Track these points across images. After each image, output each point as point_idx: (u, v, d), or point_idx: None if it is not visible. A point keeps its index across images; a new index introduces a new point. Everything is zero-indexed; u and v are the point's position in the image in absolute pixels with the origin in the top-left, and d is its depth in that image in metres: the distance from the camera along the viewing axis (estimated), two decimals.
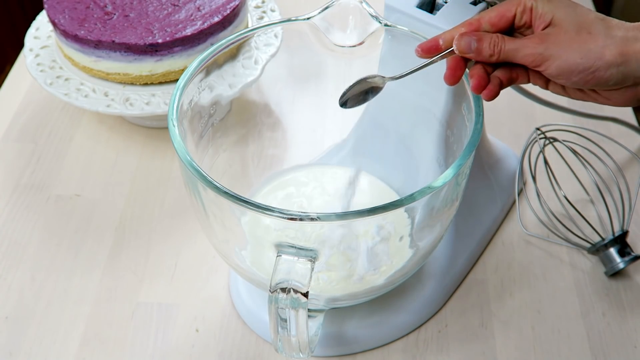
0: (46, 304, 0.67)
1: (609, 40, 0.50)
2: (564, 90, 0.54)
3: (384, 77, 0.56)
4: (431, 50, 0.54)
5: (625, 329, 0.65)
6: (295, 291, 0.49)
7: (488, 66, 0.53)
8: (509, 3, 0.53)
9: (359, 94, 0.56)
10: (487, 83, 0.53)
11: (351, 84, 0.56)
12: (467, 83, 0.55)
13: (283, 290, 0.49)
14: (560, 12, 0.51)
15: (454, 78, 0.54)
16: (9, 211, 0.75)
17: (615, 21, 0.51)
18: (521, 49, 0.51)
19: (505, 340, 0.64)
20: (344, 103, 0.56)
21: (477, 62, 0.53)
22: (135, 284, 0.69)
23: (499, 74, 0.53)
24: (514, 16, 0.53)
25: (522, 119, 0.85)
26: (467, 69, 0.54)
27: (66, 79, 0.79)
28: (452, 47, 0.53)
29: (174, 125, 0.54)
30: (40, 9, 0.89)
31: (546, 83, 0.54)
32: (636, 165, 0.79)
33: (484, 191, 0.71)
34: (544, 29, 0.52)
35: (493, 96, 0.53)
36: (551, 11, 0.52)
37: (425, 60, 0.54)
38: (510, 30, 0.53)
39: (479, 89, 0.53)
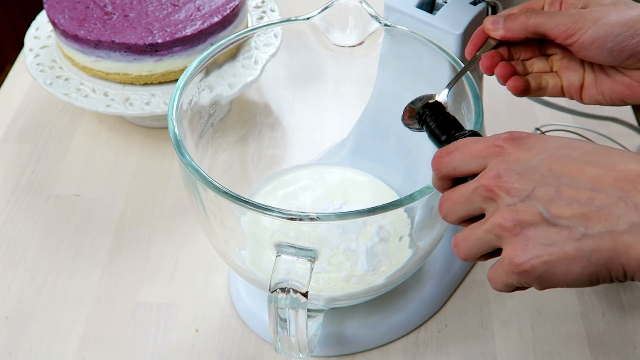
0: (46, 304, 0.67)
1: None
2: (583, 90, 0.52)
3: (432, 95, 0.51)
4: (478, 43, 0.52)
5: (625, 329, 0.65)
6: (295, 291, 0.49)
7: (512, 51, 0.52)
8: None
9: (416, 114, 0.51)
10: (513, 72, 0.51)
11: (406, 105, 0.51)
12: (467, 82, 0.55)
13: (283, 290, 0.49)
14: None
15: (490, 68, 0.52)
16: (9, 211, 0.75)
17: None
18: (553, 18, 0.48)
19: (505, 340, 0.64)
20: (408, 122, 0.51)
21: (499, 47, 0.52)
22: (135, 283, 0.69)
23: (522, 60, 0.52)
24: (542, 7, 0.51)
25: (522, 119, 0.85)
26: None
27: (66, 79, 0.79)
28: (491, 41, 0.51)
29: (173, 125, 0.54)
30: (40, 9, 0.89)
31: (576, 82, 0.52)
32: None
33: None
34: None
35: (521, 89, 0.51)
36: None
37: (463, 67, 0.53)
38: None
39: (505, 77, 0.51)
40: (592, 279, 0.38)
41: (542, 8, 0.51)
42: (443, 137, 0.47)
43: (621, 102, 0.51)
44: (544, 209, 0.38)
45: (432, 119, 0.48)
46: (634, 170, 0.38)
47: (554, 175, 0.39)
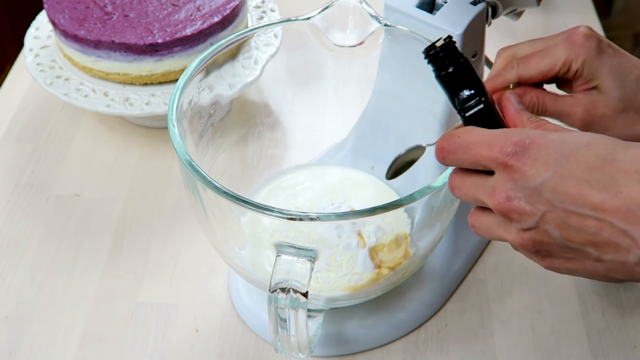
0: (46, 304, 0.67)
1: None
2: None
3: (422, 145, 0.51)
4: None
5: (625, 329, 0.65)
6: (295, 291, 0.49)
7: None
8: (551, 58, 0.51)
9: (403, 165, 0.52)
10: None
11: (394, 159, 0.52)
12: None
13: (283, 290, 0.49)
14: (606, 81, 0.50)
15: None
16: (9, 211, 0.75)
17: None
18: (564, 117, 0.50)
19: (505, 340, 0.64)
20: (392, 175, 0.52)
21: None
22: (135, 284, 0.69)
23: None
24: (556, 73, 0.52)
25: None
26: None
27: (66, 79, 0.79)
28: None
29: (173, 125, 0.54)
30: (40, 9, 0.89)
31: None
32: None
33: None
34: (585, 89, 0.51)
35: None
36: (597, 78, 0.50)
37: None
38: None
39: None
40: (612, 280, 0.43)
41: (555, 74, 0.52)
42: (455, 98, 0.46)
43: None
44: (557, 233, 0.41)
45: (447, 62, 0.46)
46: (636, 199, 0.38)
47: (559, 198, 0.40)
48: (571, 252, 0.41)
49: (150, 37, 0.75)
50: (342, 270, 0.58)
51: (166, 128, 0.59)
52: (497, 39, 0.96)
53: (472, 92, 0.45)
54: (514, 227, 0.42)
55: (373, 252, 0.59)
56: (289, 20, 0.62)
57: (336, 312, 0.63)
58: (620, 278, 0.41)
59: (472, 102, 0.45)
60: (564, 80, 0.53)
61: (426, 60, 0.46)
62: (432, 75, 0.47)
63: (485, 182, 0.43)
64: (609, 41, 0.51)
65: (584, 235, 0.40)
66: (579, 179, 0.40)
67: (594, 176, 0.40)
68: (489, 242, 0.72)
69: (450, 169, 0.51)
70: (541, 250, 0.42)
